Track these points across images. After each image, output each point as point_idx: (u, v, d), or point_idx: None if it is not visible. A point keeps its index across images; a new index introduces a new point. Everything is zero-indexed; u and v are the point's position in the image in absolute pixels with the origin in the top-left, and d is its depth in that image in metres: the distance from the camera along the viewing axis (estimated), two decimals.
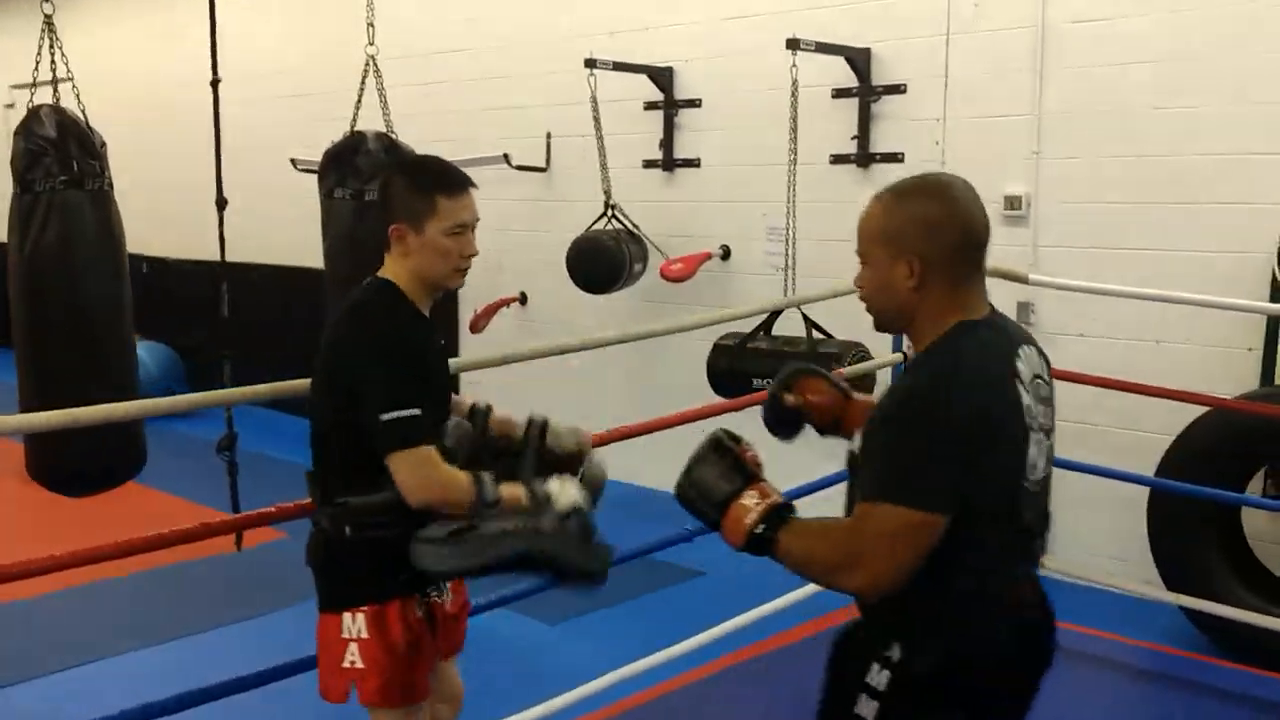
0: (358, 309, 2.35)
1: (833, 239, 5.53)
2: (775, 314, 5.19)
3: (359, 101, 4.68)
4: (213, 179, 4.23)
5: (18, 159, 3.89)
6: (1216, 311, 4.37)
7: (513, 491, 2.26)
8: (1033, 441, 1.85)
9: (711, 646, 3.80)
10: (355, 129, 4.56)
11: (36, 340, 3.97)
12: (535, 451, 2.42)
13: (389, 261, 2.38)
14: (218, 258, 4.25)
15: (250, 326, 6.40)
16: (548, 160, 6.79)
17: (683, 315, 5.93)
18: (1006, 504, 1.84)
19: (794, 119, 5.28)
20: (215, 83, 4.06)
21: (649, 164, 6.30)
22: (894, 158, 5.39)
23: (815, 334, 5.10)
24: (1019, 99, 4.96)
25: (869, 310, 1.99)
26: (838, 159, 5.55)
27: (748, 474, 1.94)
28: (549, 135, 6.77)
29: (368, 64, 4.65)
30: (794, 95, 5.24)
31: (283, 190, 7.00)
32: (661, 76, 6.15)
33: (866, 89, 5.42)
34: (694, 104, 6.12)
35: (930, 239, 1.87)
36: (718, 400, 4.68)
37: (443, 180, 2.35)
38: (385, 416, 2.20)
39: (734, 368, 5.21)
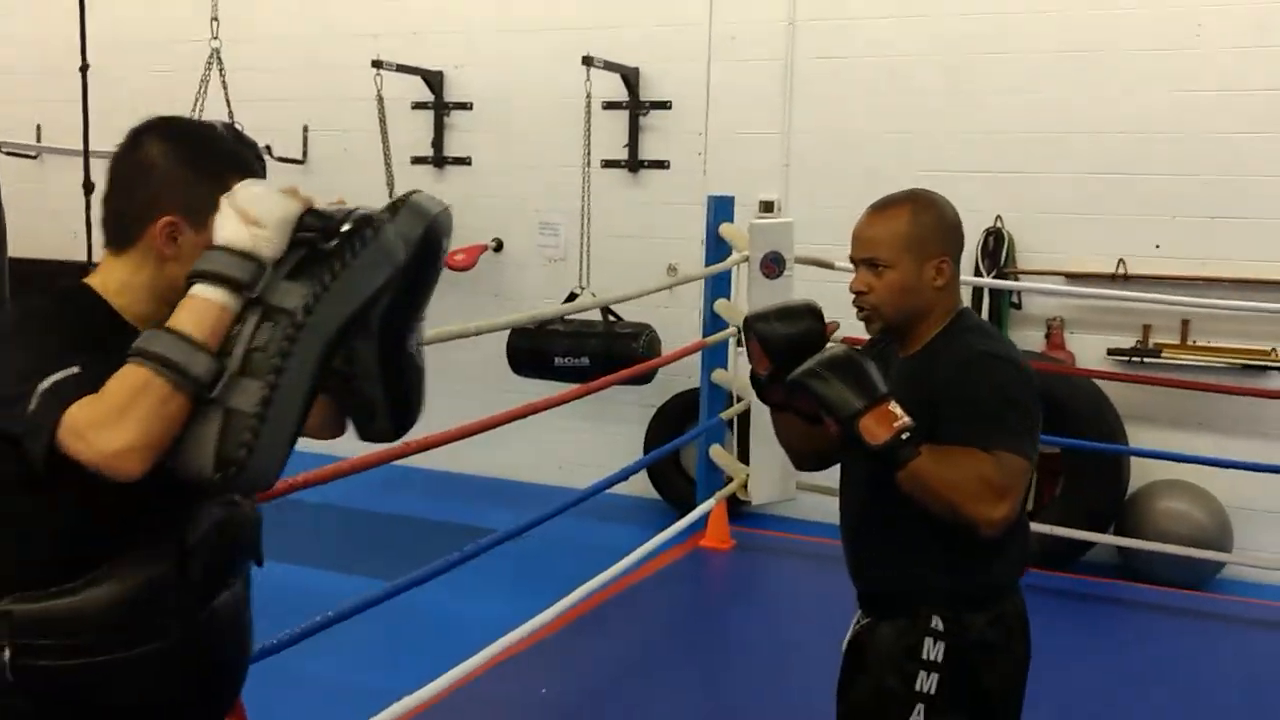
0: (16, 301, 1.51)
1: (604, 234, 6.26)
2: (573, 296, 5.84)
3: (202, 91, 4.81)
4: None
5: None
6: None
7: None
8: None
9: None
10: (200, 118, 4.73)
11: None
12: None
13: (115, 266, 1.58)
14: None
15: None
16: (304, 153, 6.96)
17: (464, 304, 6.40)
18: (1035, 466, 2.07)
19: (588, 128, 5.94)
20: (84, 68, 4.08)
21: (418, 160, 6.69)
22: (661, 165, 6.20)
23: (609, 317, 5.80)
24: (771, 119, 5.94)
25: (880, 312, 2.09)
26: (609, 164, 6.27)
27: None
28: (306, 129, 6.95)
29: (211, 56, 4.81)
30: (588, 108, 5.90)
31: None
32: (433, 79, 6.56)
33: (636, 103, 6.18)
34: (465, 106, 6.60)
35: (953, 241, 2.13)
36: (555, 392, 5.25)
37: (237, 159, 1.60)
38: (42, 386, 1.38)
39: (535, 347, 5.79)
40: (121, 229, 1.58)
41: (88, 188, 4.26)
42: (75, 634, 1.48)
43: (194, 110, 4.75)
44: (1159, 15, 5.24)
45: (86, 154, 4.24)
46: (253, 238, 1.42)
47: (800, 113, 5.89)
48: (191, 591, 1.58)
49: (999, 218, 5.51)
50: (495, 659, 3.50)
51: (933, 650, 2.03)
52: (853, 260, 2.15)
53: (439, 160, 6.66)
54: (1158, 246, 5.29)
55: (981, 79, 5.54)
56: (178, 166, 1.55)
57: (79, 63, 4.14)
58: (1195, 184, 5.22)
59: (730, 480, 5.17)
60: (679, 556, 4.89)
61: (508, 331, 5.83)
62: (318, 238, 1.46)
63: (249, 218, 1.44)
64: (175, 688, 1.60)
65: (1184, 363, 5.25)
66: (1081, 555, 5.19)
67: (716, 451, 5.19)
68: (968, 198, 5.63)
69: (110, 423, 1.34)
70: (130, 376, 1.37)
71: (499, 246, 6.58)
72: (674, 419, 5.99)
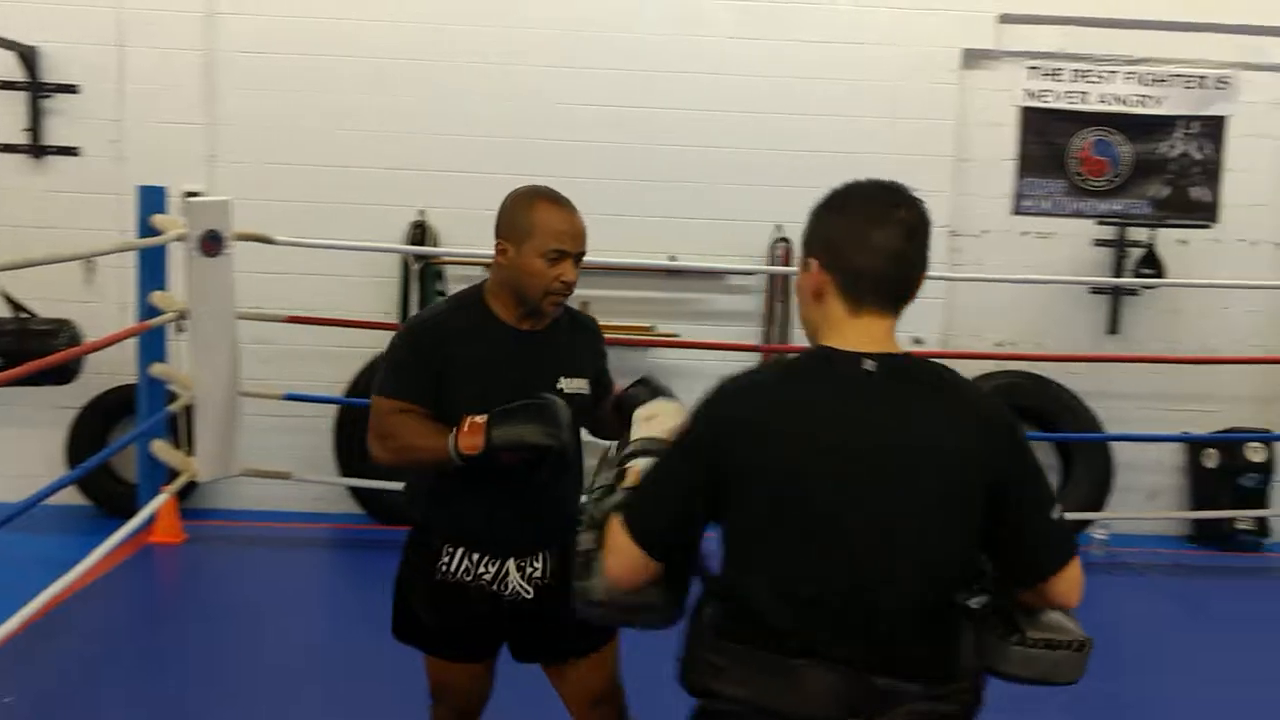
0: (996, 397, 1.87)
1: (3, 224, 5.74)
2: None
3: None
4: None
5: None
6: (368, 277, 5.87)
7: None
8: None
9: None
10: None
11: None
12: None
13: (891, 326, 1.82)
14: None
15: None
16: None
17: None
18: None
19: None
20: None
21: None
22: (70, 151, 5.84)
23: (20, 313, 5.35)
24: (194, 109, 5.85)
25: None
26: (8, 148, 5.77)
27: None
28: None
29: None
30: None
31: None
32: None
33: (36, 85, 5.75)
34: None
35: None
36: None
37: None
38: (1056, 514, 1.72)
39: None
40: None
41: None
42: None
43: None
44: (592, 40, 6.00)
45: None
46: None
47: (226, 105, 5.88)
48: None
49: (422, 211, 5.94)
50: None
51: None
52: (566, 253, 2.43)
53: None
54: None
55: (398, 83, 5.92)
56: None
57: None
58: (586, 184, 6.02)
59: (179, 474, 5.05)
60: (128, 555, 4.71)
61: None
62: None
63: None
64: None
65: None
66: None
67: (159, 446, 5.04)
68: (386, 191, 6.05)
69: None
70: None
71: None
72: (101, 419, 5.72)
